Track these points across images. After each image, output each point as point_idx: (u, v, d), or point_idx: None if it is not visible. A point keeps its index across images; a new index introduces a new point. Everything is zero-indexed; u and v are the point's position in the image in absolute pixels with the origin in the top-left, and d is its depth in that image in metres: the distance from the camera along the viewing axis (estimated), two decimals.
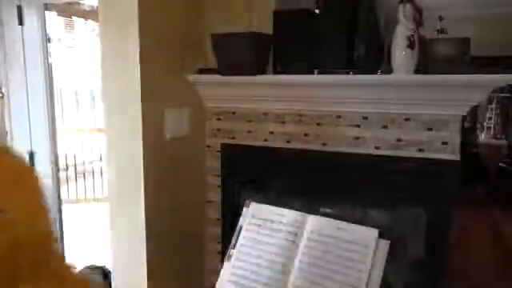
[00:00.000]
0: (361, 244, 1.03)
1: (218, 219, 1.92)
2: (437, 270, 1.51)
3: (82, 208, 5.02)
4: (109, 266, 1.95)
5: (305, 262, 1.07)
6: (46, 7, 2.31)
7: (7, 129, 2.46)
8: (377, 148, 1.60)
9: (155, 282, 1.66)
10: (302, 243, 1.10)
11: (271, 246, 1.14)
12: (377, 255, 1.00)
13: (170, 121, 1.68)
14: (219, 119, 1.88)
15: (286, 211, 1.17)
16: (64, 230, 2.48)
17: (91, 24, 6.08)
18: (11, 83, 2.37)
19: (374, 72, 1.52)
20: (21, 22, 2.24)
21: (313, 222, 1.11)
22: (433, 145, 1.52)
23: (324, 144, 1.69)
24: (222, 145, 1.88)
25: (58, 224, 2.42)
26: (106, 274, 2.16)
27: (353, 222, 1.07)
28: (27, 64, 2.27)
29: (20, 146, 2.37)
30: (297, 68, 1.60)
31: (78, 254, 3.20)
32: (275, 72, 1.66)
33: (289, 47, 1.63)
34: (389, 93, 1.52)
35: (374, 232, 1.02)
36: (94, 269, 2.31)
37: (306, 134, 1.72)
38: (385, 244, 1.00)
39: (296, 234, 1.12)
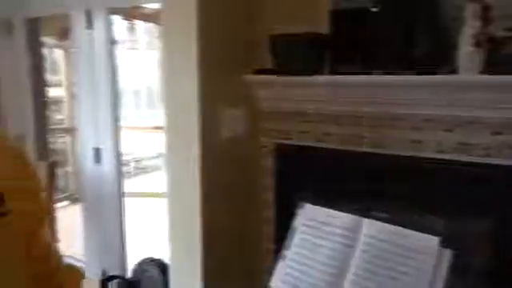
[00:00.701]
0: (421, 252, 0.99)
1: (272, 219, 1.93)
2: (504, 284, 1.42)
3: (142, 202, 5.25)
4: (167, 260, 2.03)
5: (361, 268, 1.05)
6: (112, 11, 2.43)
7: (76, 126, 2.63)
8: (438, 152, 1.53)
9: (209, 278, 1.71)
10: (358, 248, 1.08)
11: (325, 249, 1.13)
12: (438, 265, 0.96)
13: (226, 120, 1.72)
14: (274, 119, 1.88)
15: (341, 214, 1.16)
16: (125, 222, 2.60)
17: (152, 26, 6.34)
18: (81, 84, 2.53)
19: (436, 72, 1.45)
20: (89, 26, 2.38)
21: (370, 226, 1.09)
22: (501, 150, 1.43)
23: (382, 146, 1.64)
24: (277, 145, 1.89)
25: (119, 216, 2.55)
26: (163, 267, 2.24)
27: (412, 229, 1.03)
28: (95, 66, 2.41)
29: (87, 142, 2.53)
30: (354, 68, 1.57)
31: (138, 245, 3.35)
32: (332, 72, 1.64)
33: (346, 47, 1.60)
34: (453, 94, 1.45)
35: (436, 240, 0.98)
36: (151, 261, 2.40)
37: (363, 136, 1.68)
38: (447, 253, 0.95)
39: (352, 238, 1.10)
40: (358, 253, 1.08)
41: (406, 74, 1.48)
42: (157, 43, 6.78)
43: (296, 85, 1.72)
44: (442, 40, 1.47)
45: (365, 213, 1.13)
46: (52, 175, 1.93)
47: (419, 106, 1.53)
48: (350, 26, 1.58)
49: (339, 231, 1.13)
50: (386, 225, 1.07)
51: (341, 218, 1.15)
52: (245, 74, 1.79)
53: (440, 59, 1.46)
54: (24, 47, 2.69)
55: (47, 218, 0.99)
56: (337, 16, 1.60)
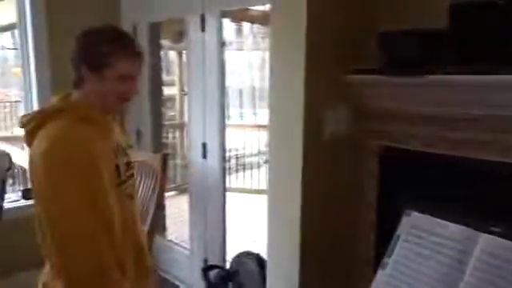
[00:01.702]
0: None
1: (373, 224, 1.87)
2: None
3: (241, 197, 5.46)
4: (264, 255, 2.08)
5: (473, 285, 0.96)
6: (223, 14, 2.56)
7: (186, 122, 2.82)
8: None
9: (307, 277, 1.71)
10: (471, 264, 0.99)
11: (432, 261, 1.06)
12: None
13: (330, 121, 1.71)
14: (381, 121, 1.81)
15: (451, 225, 1.08)
16: (226, 215, 2.73)
17: (257, 28, 6.54)
18: (192, 83, 2.72)
19: None
20: (203, 29, 2.55)
21: (486, 241, 0.99)
22: None
23: (504, 154, 1.48)
24: (382, 148, 1.81)
25: (222, 209, 2.68)
26: (260, 262, 2.30)
27: None
28: (205, 66, 2.57)
29: (196, 138, 2.71)
30: (475, 67, 1.44)
31: (236, 238, 3.49)
32: (447, 72, 1.52)
33: (466, 44, 1.47)
34: None
35: None
36: (248, 254, 2.48)
37: (480, 142, 1.53)
38: None
39: (464, 253, 1.02)
40: (470, 269, 0.99)
41: None
42: (261, 44, 6.99)
43: (406, 85, 1.63)
44: None
45: (478, 226, 1.04)
46: (165, 166, 2.10)
47: None
48: (473, 21, 1.44)
49: (449, 243, 1.05)
50: (507, 241, 0.97)
51: (451, 230, 1.07)
52: (351, 74, 1.74)
53: None
54: (146, 49, 2.97)
55: None
56: (458, 10, 1.48)
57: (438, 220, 1.11)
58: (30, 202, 2.74)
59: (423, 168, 1.68)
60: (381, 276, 1.12)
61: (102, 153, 1.23)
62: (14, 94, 7.71)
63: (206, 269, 2.55)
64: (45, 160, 1.18)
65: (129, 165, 1.38)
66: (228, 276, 2.45)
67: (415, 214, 1.17)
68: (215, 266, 2.58)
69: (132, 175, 1.41)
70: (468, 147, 1.56)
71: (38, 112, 1.35)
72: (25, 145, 1.30)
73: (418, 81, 1.56)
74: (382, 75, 1.65)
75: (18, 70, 3.08)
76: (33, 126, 1.25)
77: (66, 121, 1.22)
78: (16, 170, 4.69)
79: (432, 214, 1.14)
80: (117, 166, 1.29)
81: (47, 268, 1.31)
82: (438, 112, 1.62)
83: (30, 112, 1.46)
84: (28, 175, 1.32)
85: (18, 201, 2.84)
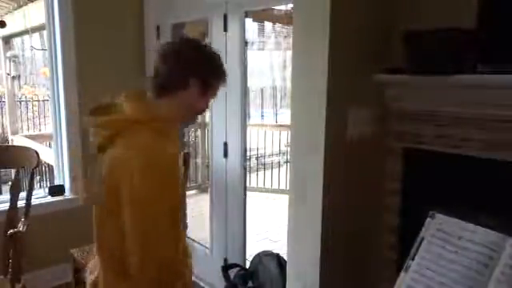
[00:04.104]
0: None
1: (396, 227, 1.84)
2: None
3: (260, 196, 5.46)
4: (284, 254, 2.08)
5: None
6: (246, 14, 2.56)
7: (207, 121, 2.83)
8: None
9: (327, 280, 1.70)
10: (499, 269, 0.97)
11: (457, 265, 1.04)
12: None
13: (353, 121, 1.69)
14: (405, 122, 1.78)
15: (479, 229, 1.05)
16: (247, 214, 2.73)
17: (279, 27, 6.53)
18: None
19: None
20: (225, 29, 2.56)
21: None
22: None
23: None
24: (407, 149, 1.78)
25: (242, 208, 2.68)
26: (280, 261, 2.30)
27: None
28: (227, 66, 2.57)
29: (217, 136, 2.72)
30: (505, 66, 1.39)
31: (255, 237, 3.50)
32: (476, 72, 1.48)
33: (498, 42, 1.43)
34: None
35: None
36: (268, 254, 2.48)
37: (509, 144, 1.49)
38: None
39: (491, 258, 0.99)
40: (499, 275, 0.96)
41: None
42: (283, 44, 6.98)
43: (434, 86, 1.60)
44: None
45: (505, 230, 1.01)
46: (187, 165, 2.12)
47: None
48: (505, 19, 1.40)
49: (476, 248, 1.02)
50: None
51: (479, 234, 1.04)
52: (375, 73, 1.72)
53: None
54: None
55: None
56: (487, 8, 1.44)
57: (465, 223, 1.09)
58: (57, 198, 2.86)
59: (450, 170, 1.64)
60: (403, 278, 1.10)
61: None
62: (42, 93, 7.93)
63: (226, 267, 2.56)
64: (143, 174, 1.18)
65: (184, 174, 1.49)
66: (248, 275, 2.46)
67: (440, 216, 1.15)
68: (235, 264, 2.58)
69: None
70: (496, 149, 1.52)
71: (118, 116, 1.30)
72: (91, 139, 1.29)
73: (446, 81, 1.53)
74: (408, 75, 1.62)
75: (46, 69, 3.15)
76: (113, 132, 1.26)
77: (150, 132, 1.24)
78: (43, 167, 4.84)
79: (457, 217, 1.11)
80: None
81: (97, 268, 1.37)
82: (465, 113, 1.58)
83: (102, 104, 1.36)
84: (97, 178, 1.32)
85: (44, 197, 2.91)
